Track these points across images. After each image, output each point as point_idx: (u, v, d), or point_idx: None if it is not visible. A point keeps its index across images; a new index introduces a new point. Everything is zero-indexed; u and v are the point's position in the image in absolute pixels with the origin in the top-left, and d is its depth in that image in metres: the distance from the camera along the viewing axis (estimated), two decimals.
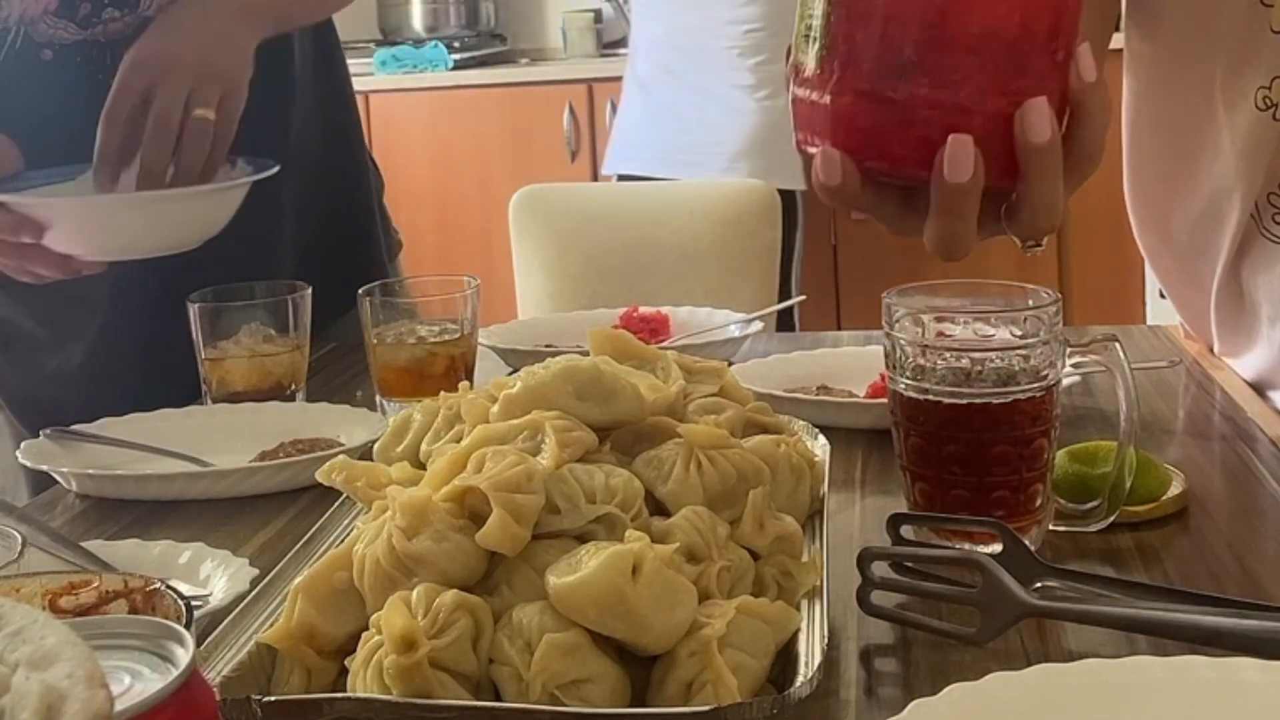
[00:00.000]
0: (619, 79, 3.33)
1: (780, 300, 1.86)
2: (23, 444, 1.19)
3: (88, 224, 1.21)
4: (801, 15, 0.72)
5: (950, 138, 0.67)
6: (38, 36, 1.36)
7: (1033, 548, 0.85)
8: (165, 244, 1.24)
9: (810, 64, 0.71)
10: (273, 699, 0.67)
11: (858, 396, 1.23)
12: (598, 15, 4.17)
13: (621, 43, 4.16)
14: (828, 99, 0.70)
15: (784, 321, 2.83)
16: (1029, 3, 0.67)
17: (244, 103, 1.26)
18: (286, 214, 1.53)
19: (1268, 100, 1.10)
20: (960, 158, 0.68)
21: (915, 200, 0.73)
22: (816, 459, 0.90)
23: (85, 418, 1.24)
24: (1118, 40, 1.21)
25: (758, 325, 1.51)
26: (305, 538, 0.85)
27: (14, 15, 1.33)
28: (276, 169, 1.30)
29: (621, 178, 3.07)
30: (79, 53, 1.36)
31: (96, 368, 1.48)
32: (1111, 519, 0.91)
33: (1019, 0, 0.67)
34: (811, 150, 0.72)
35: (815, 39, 0.70)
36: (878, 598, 0.82)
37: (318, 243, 1.57)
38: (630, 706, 0.69)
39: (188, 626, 0.62)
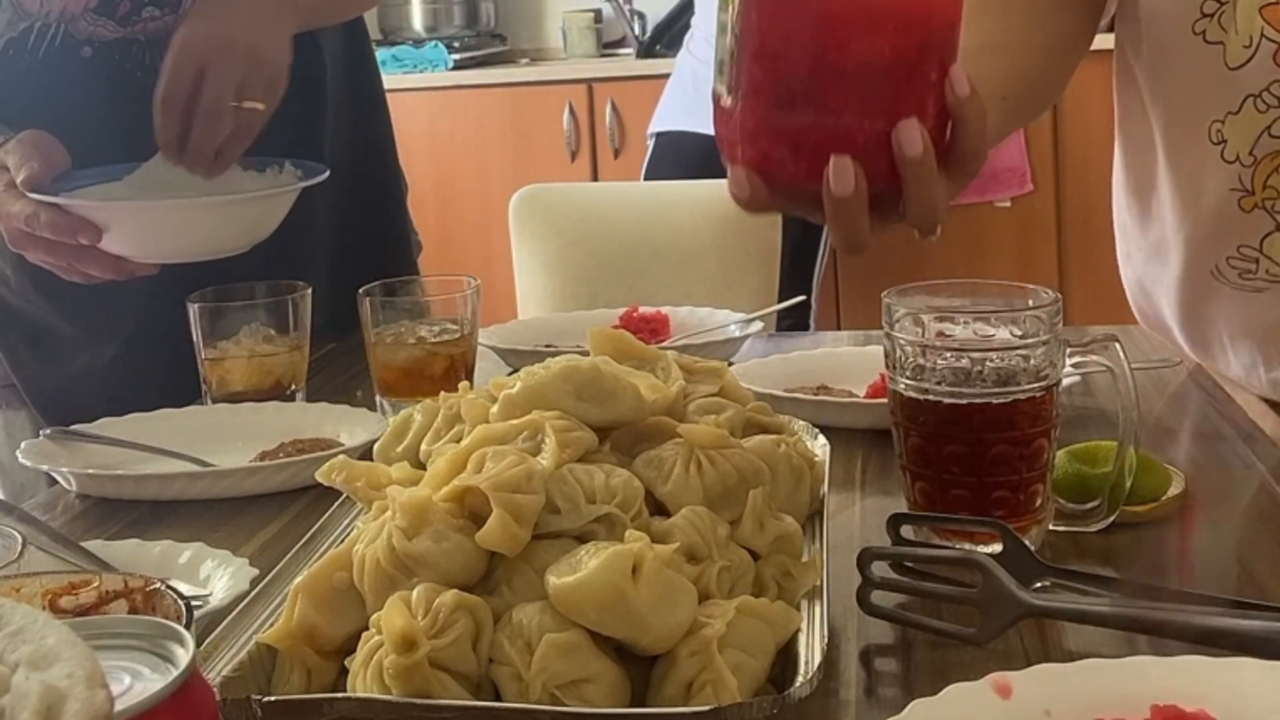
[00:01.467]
0: (619, 79, 3.32)
1: (789, 298, 1.86)
2: (23, 444, 1.19)
3: (146, 227, 1.22)
4: (716, 51, 0.82)
5: (832, 158, 0.77)
6: (77, 34, 1.36)
7: (1033, 548, 0.85)
8: (219, 247, 1.26)
9: (723, 93, 0.82)
10: (273, 699, 0.67)
11: (858, 396, 1.23)
12: (598, 15, 4.16)
13: (622, 43, 4.16)
14: (735, 125, 0.81)
15: (800, 320, 2.85)
16: (898, 37, 0.76)
17: (283, 92, 1.28)
18: (319, 217, 1.54)
19: (1220, 135, 1.12)
20: (842, 175, 0.78)
21: (820, 206, 0.81)
22: (816, 459, 0.90)
23: (112, 415, 1.25)
24: (1105, 41, 1.21)
25: (758, 325, 1.51)
26: (305, 538, 0.85)
27: (54, 12, 1.34)
28: (326, 174, 1.32)
29: (660, 136, 3.12)
30: (118, 50, 1.37)
31: (127, 366, 1.49)
32: (1111, 519, 0.91)
33: (888, 35, 0.76)
34: (728, 166, 0.82)
35: (725, 73, 0.81)
36: (878, 598, 0.82)
37: (351, 245, 1.60)
38: (630, 706, 0.69)
39: (188, 626, 0.62)
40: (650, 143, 3.21)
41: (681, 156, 2.96)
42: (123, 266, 1.24)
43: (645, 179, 3.13)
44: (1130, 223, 1.28)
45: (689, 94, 3.09)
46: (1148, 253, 1.25)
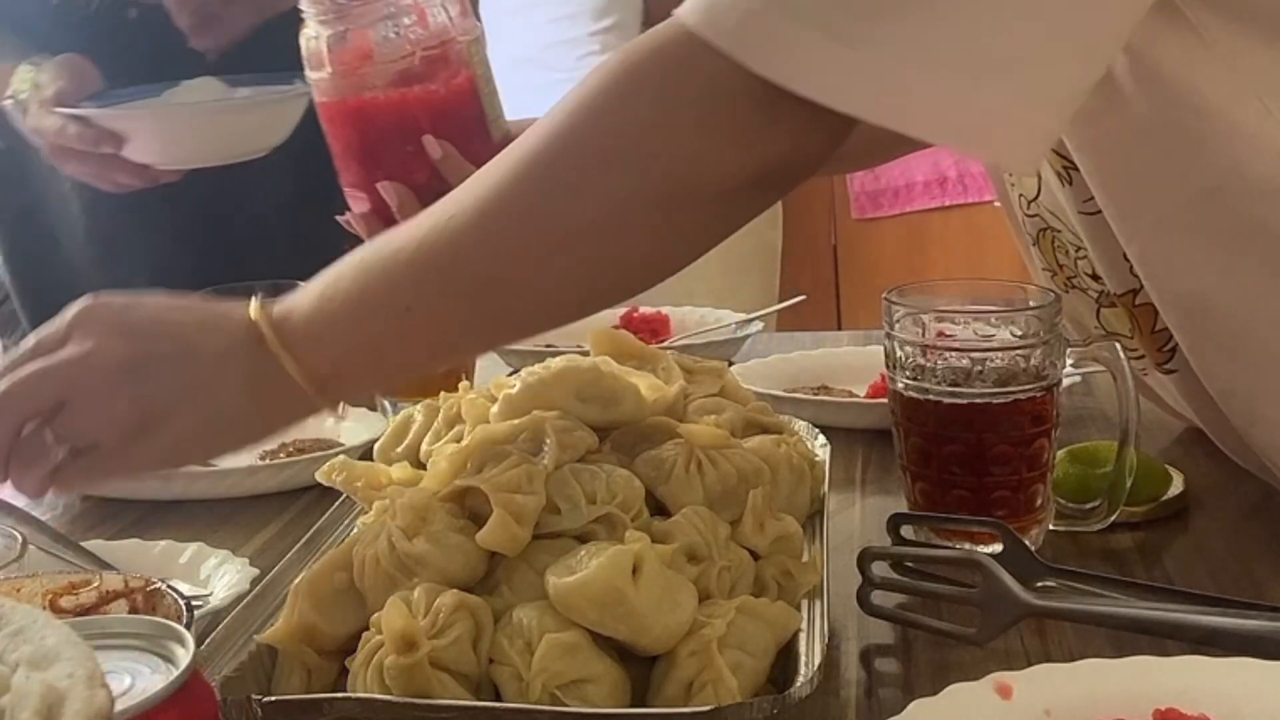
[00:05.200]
0: None
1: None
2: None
3: (161, 133, 1.29)
4: None
5: (350, 215, 1.05)
6: None
7: (1033, 548, 0.85)
8: (231, 152, 1.31)
9: None
10: (273, 699, 0.67)
11: (858, 396, 1.23)
12: None
13: None
14: None
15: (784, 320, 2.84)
16: (365, 130, 1.02)
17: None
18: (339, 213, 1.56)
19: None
20: (359, 226, 1.03)
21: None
22: (817, 459, 0.90)
23: None
24: None
25: (758, 325, 1.51)
26: (305, 538, 0.85)
27: None
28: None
29: None
30: (163, 13, 1.37)
31: None
32: (1111, 519, 0.91)
33: (361, 127, 1.02)
34: None
35: None
36: (878, 598, 0.82)
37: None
38: (630, 706, 0.69)
39: (188, 626, 0.62)
40: None
41: None
42: (148, 173, 1.30)
43: None
44: None
45: None
46: None
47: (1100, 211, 0.89)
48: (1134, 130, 0.82)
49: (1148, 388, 1.07)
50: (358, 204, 1.04)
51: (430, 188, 1.00)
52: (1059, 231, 0.99)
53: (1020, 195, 1.01)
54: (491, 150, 0.98)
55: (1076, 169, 0.89)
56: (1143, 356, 1.00)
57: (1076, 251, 0.98)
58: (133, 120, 1.28)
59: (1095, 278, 0.99)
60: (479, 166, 0.88)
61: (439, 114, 1.02)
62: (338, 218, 1.07)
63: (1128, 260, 0.89)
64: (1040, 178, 0.97)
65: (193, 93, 1.33)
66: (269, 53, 1.27)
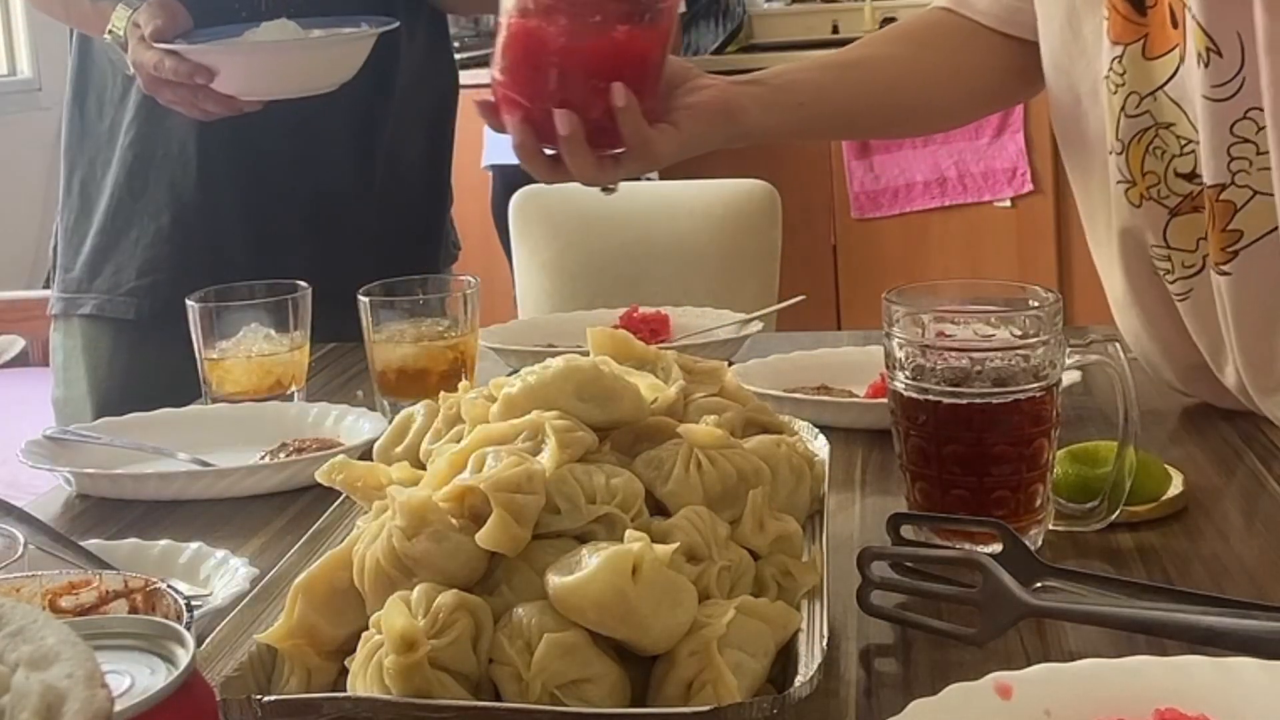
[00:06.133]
0: None
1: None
2: (24, 442, 1.19)
3: (244, 67, 1.44)
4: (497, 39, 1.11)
5: (555, 111, 1.07)
6: None
7: (1033, 548, 0.85)
8: (305, 86, 1.46)
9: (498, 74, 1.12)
10: (273, 699, 0.67)
11: (858, 396, 1.23)
12: None
13: None
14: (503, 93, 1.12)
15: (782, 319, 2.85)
16: (570, 55, 1.06)
17: None
18: (372, 208, 1.66)
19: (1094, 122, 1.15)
20: (564, 119, 1.06)
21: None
22: (816, 459, 0.90)
23: None
24: None
25: (758, 325, 1.51)
26: (305, 538, 0.85)
27: None
28: (397, 24, 1.50)
29: (495, 168, 3.14)
30: None
31: None
32: (1111, 519, 0.91)
33: (568, 51, 1.06)
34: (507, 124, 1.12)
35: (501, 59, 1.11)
36: (878, 598, 0.82)
37: (398, 242, 1.68)
38: (630, 706, 0.69)
39: (188, 626, 0.62)
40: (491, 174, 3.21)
41: (511, 186, 2.97)
42: (233, 103, 1.44)
43: (493, 211, 3.15)
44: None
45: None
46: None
47: (1227, 99, 1.01)
48: None
49: (1154, 364, 1.18)
50: (513, 109, 1.08)
51: (599, 126, 1.07)
52: (1169, 126, 1.08)
53: (1132, 94, 1.08)
54: (655, 107, 1.11)
55: (1219, 52, 1.00)
56: (1192, 272, 1.10)
57: (1183, 147, 1.07)
58: (221, 55, 1.41)
59: (1188, 177, 1.08)
60: (648, 120, 1.06)
61: (635, 63, 1.07)
62: (476, 100, 1.13)
63: (1228, 154, 1.02)
64: (1181, 59, 1.05)
65: (270, 33, 1.46)
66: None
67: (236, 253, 1.59)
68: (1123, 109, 1.09)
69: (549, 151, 1.11)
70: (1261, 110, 1.02)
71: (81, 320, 1.64)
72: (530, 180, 1.20)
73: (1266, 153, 1.02)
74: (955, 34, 1.25)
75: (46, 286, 1.79)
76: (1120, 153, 1.10)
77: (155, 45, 1.41)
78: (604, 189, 1.16)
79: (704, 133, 1.13)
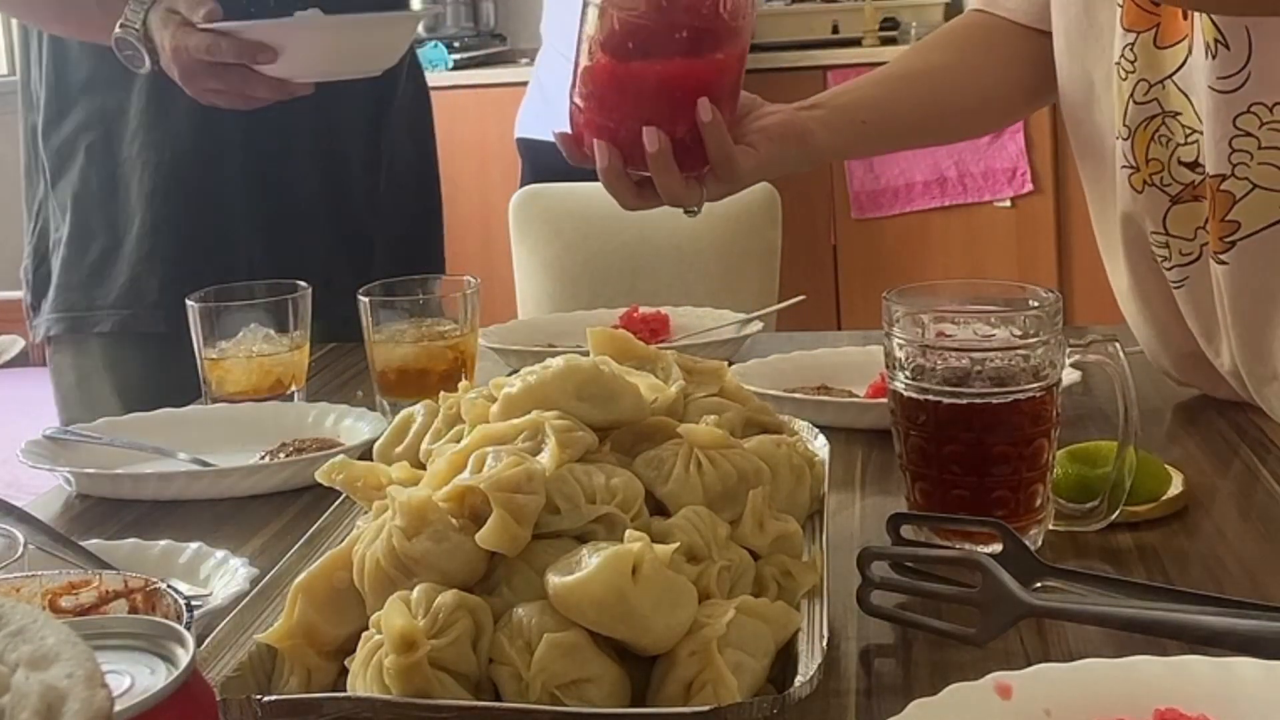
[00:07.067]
0: None
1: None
2: (24, 442, 1.19)
3: (310, 44, 1.40)
4: (575, 62, 1.10)
5: (644, 130, 1.08)
6: None
7: (1033, 548, 0.85)
8: (362, 66, 1.45)
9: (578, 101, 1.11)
10: (273, 699, 0.67)
11: (858, 396, 1.23)
12: None
13: None
14: (586, 117, 1.11)
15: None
16: (660, 76, 1.07)
17: None
18: (379, 212, 1.66)
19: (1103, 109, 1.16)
20: (652, 137, 1.07)
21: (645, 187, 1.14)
22: (817, 459, 0.90)
23: None
24: None
25: (758, 325, 1.51)
26: (305, 538, 0.85)
27: None
28: (441, 8, 1.52)
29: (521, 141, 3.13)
30: None
31: None
32: (1111, 519, 0.91)
33: (655, 73, 1.07)
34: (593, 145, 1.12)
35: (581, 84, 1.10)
36: (878, 598, 0.82)
37: (400, 241, 1.69)
38: (630, 706, 0.69)
39: (188, 626, 0.62)
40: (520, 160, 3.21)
41: (537, 164, 2.96)
42: (284, 87, 1.40)
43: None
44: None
45: (536, 103, 3.11)
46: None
47: (1232, 91, 1.02)
48: None
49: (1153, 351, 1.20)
50: (599, 134, 1.09)
51: (683, 146, 1.09)
52: (1175, 115, 1.09)
53: (1141, 81, 1.10)
54: (733, 127, 1.12)
55: (1227, 45, 1.01)
56: (1189, 260, 1.11)
57: (1187, 136, 1.09)
58: (285, 32, 1.38)
59: (1190, 166, 1.09)
60: (729, 132, 1.08)
61: (717, 80, 1.08)
62: (555, 132, 1.12)
63: (1230, 146, 1.03)
64: (1190, 50, 1.06)
65: (308, 18, 1.42)
66: None
67: (250, 254, 1.58)
68: (1131, 95, 1.10)
69: (634, 175, 1.13)
70: (1265, 105, 1.03)
71: (100, 339, 1.58)
72: (560, 167, 1.20)
73: (1268, 147, 1.03)
74: (993, 33, 1.27)
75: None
76: (1126, 138, 1.12)
77: (208, 27, 1.36)
78: (688, 211, 1.17)
79: (778, 154, 1.14)
